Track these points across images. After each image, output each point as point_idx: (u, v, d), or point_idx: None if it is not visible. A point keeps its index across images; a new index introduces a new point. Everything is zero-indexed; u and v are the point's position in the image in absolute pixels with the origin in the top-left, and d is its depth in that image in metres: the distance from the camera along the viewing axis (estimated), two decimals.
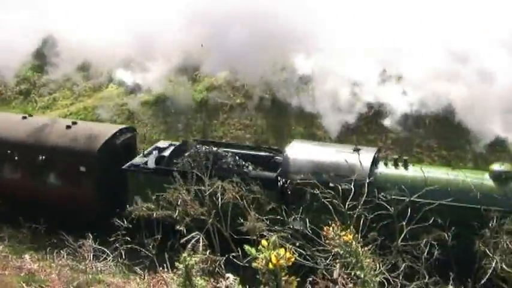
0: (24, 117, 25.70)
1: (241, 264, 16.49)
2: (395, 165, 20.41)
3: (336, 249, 10.07)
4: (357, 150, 20.37)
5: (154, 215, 19.04)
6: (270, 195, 19.87)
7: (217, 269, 17.09)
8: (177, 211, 18.65)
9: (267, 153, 22.83)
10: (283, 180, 20.35)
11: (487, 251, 17.55)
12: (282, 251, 9.28)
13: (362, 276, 9.85)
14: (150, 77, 27.31)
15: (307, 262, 16.84)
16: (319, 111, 25.41)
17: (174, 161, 21.95)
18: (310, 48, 25.23)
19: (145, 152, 23.37)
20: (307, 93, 26.77)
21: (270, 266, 9.22)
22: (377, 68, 22.43)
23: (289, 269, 9.93)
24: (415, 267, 17.48)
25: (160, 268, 17.58)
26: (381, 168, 20.38)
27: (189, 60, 26.77)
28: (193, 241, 17.44)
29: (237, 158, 22.17)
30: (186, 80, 29.93)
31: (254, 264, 9.44)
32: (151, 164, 22.33)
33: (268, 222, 17.92)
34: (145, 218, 19.35)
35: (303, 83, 26.92)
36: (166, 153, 22.90)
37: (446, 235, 17.78)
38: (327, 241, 10.31)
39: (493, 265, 17.07)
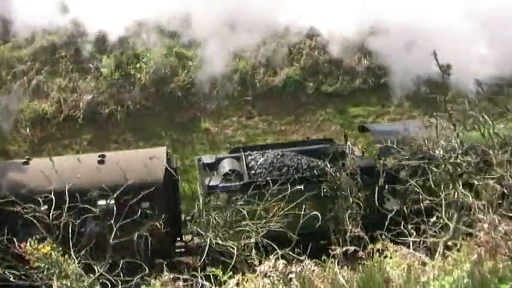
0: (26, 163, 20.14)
1: None
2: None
3: (36, 264, 9.74)
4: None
5: None
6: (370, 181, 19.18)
7: None
8: None
9: (328, 145, 21.31)
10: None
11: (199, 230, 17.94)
12: None
13: (68, 284, 9.61)
14: None
15: (22, 282, 16.22)
16: None
17: (260, 171, 20.02)
18: None
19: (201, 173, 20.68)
20: None
21: None
22: None
23: None
24: (136, 261, 17.45)
25: None
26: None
27: None
28: None
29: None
30: None
31: None
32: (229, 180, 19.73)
33: None
34: None
35: None
36: (227, 166, 20.24)
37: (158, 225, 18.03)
38: (27, 257, 9.95)
39: (208, 242, 17.42)
